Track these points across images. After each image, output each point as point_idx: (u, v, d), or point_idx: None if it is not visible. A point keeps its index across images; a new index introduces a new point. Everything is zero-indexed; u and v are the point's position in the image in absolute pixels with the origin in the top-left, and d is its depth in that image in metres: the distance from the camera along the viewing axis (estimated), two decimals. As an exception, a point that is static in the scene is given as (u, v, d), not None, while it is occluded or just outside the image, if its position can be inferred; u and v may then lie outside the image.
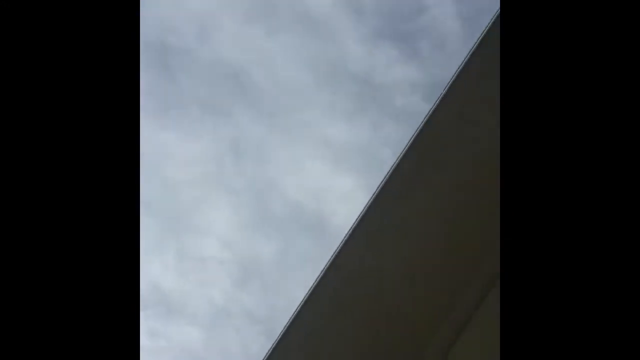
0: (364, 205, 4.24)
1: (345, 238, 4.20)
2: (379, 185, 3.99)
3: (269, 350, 4.00)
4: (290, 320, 3.98)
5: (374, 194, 4.18)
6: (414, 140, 4.07)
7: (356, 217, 4.25)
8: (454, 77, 4.04)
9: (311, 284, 4.21)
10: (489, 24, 3.87)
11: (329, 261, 4.06)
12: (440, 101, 4.09)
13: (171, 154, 12.02)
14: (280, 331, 4.19)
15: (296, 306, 4.17)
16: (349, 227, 4.24)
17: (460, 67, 4.10)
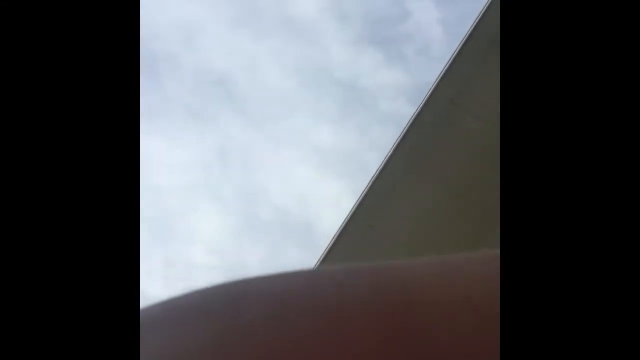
0: (349, 210, 4.24)
1: (331, 243, 4.20)
2: (364, 190, 3.99)
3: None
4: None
5: (359, 199, 4.18)
6: (398, 144, 4.08)
7: (342, 221, 4.25)
8: (437, 81, 4.05)
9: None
10: (470, 28, 3.89)
11: (317, 262, 4.05)
12: (424, 105, 4.10)
13: (157, 160, 11.98)
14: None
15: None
16: (335, 232, 4.24)
17: (443, 71, 4.11)
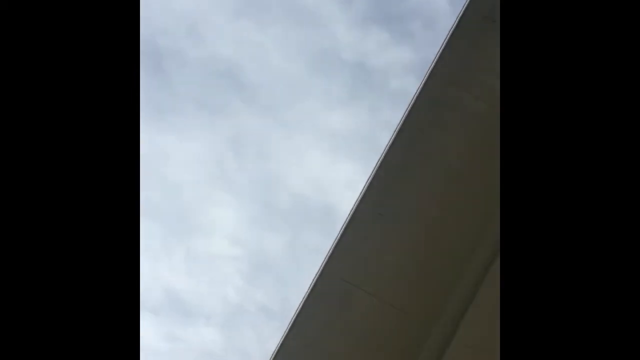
0: (359, 195, 4.23)
1: (343, 228, 4.20)
2: (369, 176, 3.99)
3: (274, 351, 4.01)
4: (294, 317, 3.99)
5: (368, 180, 4.17)
6: (404, 121, 4.05)
7: (352, 206, 4.24)
8: (436, 58, 4.01)
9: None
10: (464, 6, 3.84)
11: (327, 255, 4.06)
12: (425, 82, 4.07)
13: (171, 155, 12.02)
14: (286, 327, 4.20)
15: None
16: (347, 215, 4.23)
17: (443, 46, 4.07)
